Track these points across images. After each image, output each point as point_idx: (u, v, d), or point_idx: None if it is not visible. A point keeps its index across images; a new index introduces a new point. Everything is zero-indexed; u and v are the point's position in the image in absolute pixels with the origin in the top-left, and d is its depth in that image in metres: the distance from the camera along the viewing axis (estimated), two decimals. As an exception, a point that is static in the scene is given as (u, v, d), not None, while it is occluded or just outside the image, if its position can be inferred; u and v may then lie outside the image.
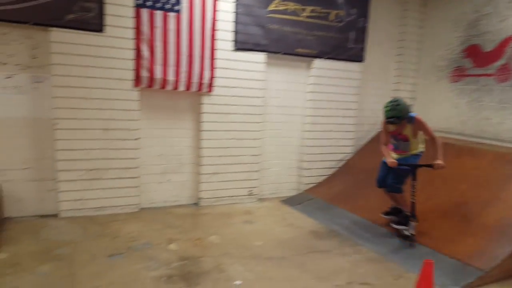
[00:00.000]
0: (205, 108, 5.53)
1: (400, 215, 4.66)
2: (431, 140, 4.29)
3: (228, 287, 3.43)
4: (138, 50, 4.96)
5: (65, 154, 4.78)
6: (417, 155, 4.50)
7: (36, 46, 4.63)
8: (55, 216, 4.89)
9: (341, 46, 6.31)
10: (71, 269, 3.56)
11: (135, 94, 5.06)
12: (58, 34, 4.55)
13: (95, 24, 4.68)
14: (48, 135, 4.78)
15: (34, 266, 3.56)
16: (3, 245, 3.93)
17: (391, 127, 4.36)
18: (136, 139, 5.15)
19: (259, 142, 6.01)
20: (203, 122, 5.55)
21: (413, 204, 4.31)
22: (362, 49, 6.52)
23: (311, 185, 6.53)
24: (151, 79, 5.07)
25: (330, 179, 6.53)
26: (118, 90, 4.94)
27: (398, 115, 4.15)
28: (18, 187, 4.77)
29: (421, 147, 4.51)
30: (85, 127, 4.83)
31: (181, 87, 5.27)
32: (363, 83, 6.74)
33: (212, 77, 5.42)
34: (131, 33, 4.87)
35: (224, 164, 5.77)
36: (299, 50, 6.02)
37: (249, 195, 6.07)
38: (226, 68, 5.54)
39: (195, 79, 5.31)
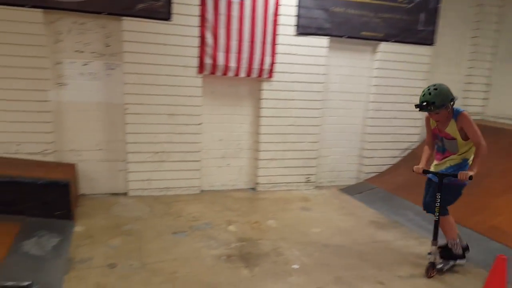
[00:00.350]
0: (265, 94, 5.54)
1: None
2: (474, 145, 3.37)
3: (285, 270, 3.46)
4: (202, 38, 5.08)
5: (134, 137, 5.08)
6: (458, 165, 3.51)
7: (109, 35, 4.93)
8: (124, 194, 5.24)
9: (409, 28, 5.97)
10: (139, 243, 3.81)
11: (198, 80, 5.21)
12: (129, 23, 4.80)
13: (163, 13, 4.87)
14: (119, 119, 5.10)
15: (106, 239, 3.85)
16: (79, 219, 4.30)
17: (432, 122, 3.60)
18: (198, 124, 5.32)
19: (318, 129, 5.92)
20: (262, 108, 5.58)
21: (435, 222, 3.50)
22: (433, 32, 6.12)
23: (372, 175, 6.33)
24: (214, 65, 5.18)
25: (393, 169, 6.28)
26: (183, 76, 5.12)
27: (432, 101, 3.24)
28: (92, 167, 5.16)
29: (470, 154, 3.48)
30: (152, 112, 5.09)
31: (242, 73, 5.33)
32: (433, 68, 6.34)
33: (272, 63, 5.41)
34: (196, 21, 5.00)
35: (282, 150, 5.78)
36: (364, 33, 5.79)
37: (306, 182, 6.02)
38: (287, 54, 5.49)
39: (256, 65, 5.33)
